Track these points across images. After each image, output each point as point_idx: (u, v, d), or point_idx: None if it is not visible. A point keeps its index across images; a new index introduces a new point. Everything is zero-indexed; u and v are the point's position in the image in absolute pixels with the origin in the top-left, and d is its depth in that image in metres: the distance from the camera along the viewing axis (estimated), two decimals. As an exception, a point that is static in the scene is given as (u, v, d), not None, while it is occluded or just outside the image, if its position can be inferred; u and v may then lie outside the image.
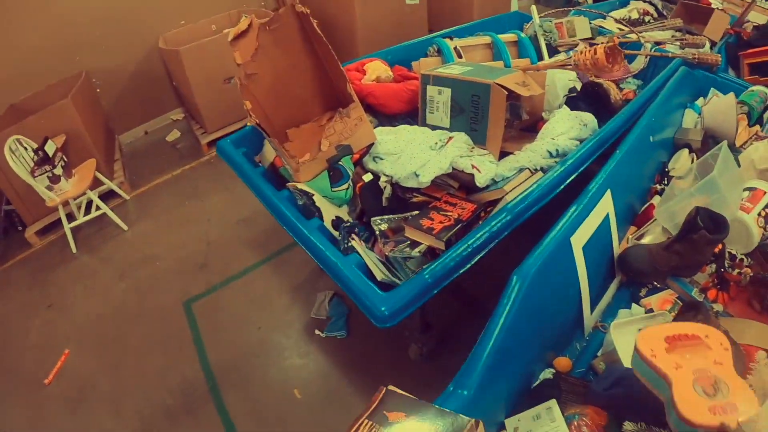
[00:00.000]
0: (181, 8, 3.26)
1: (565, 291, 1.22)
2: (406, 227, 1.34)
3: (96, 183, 2.62)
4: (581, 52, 1.31)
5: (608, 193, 1.29)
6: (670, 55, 2.04)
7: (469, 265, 1.18)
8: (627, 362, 1.12)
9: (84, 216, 2.56)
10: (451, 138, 1.52)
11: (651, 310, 1.36)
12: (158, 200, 2.78)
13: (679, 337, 0.86)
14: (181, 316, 2.05)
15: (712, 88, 2.02)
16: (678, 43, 2.23)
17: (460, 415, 0.75)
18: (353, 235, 1.33)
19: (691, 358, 0.82)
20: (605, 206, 1.28)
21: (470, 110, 1.52)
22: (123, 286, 2.26)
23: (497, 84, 1.43)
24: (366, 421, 0.72)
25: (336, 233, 1.39)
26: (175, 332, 2.00)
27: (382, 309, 1.10)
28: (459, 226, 1.31)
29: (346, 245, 1.30)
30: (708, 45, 2.24)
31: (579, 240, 1.18)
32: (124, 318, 2.12)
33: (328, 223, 1.39)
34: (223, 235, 2.40)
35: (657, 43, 2.22)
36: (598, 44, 1.48)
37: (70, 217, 2.60)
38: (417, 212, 1.41)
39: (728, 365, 0.81)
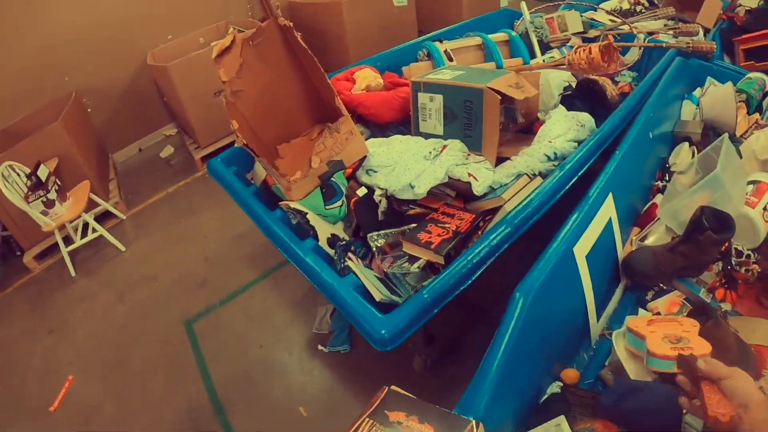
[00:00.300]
0: (168, 23, 3.20)
1: (570, 302, 1.17)
2: (403, 242, 1.29)
3: (91, 204, 2.57)
4: (575, 52, 1.25)
5: (610, 197, 1.23)
6: (664, 45, 1.98)
7: (469, 282, 1.12)
8: (631, 372, 1.08)
9: (81, 239, 2.51)
10: (445, 146, 1.47)
11: (659, 314, 1.32)
12: (154, 218, 2.73)
13: (658, 320, 1.06)
14: (182, 336, 2.00)
15: (708, 77, 1.95)
16: (671, 32, 2.16)
17: (461, 416, 0.74)
18: (350, 254, 1.28)
19: (665, 328, 1.00)
20: (607, 211, 1.22)
21: (463, 116, 1.46)
22: (123, 308, 2.22)
23: (490, 88, 1.37)
24: (367, 419, 0.72)
25: (332, 251, 1.34)
26: (177, 353, 1.96)
27: (382, 332, 1.05)
28: (458, 238, 1.26)
29: (342, 265, 1.25)
30: (701, 32, 2.18)
31: (582, 249, 1.13)
32: (125, 341, 2.08)
33: (323, 242, 1.34)
34: (220, 252, 2.35)
35: (650, 33, 2.16)
36: (591, 42, 1.42)
37: (68, 240, 2.55)
38: (414, 225, 1.36)
39: (694, 333, 0.97)
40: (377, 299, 1.15)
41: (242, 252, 2.30)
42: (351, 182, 1.48)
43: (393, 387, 0.82)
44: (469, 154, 1.47)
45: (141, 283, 2.30)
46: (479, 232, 1.33)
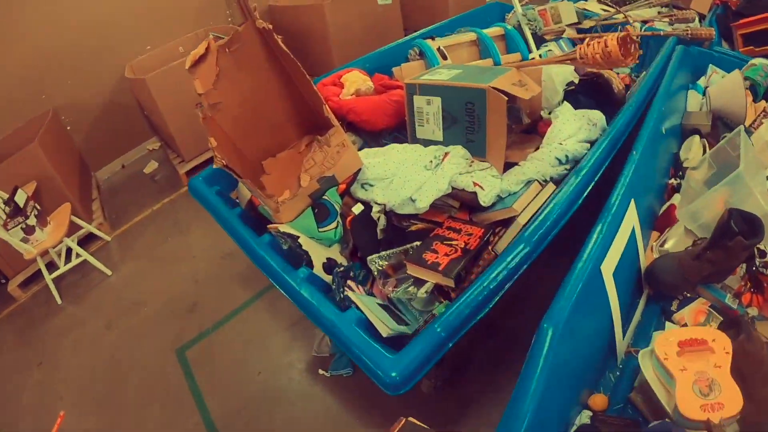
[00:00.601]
0: (145, 33, 2.96)
1: (598, 324, 1.01)
2: (407, 264, 1.12)
3: (74, 227, 2.35)
4: (588, 45, 1.08)
5: (632, 204, 1.07)
6: (662, 33, 1.81)
7: (486, 310, 0.96)
8: (661, 396, 0.95)
9: (65, 264, 2.29)
10: (447, 153, 1.29)
11: (686, 326, 1.17)
12: (140, 239, 2.50)
13: (689, 342, 0.94)
14: (175, 365, 1.81)
15: (710, 65, 1.80)
16: (667, 19, 2.00)
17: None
18: (349, 282, 1.10)
19: (696, 361, 0.92)
20: (630, 220, 1.06)
21: (465, 120, 1.28)
22: (112, 337, 2.01)
23: (493, 88, 1.19)
24: None
25: (328, 278, 1.16)
26: (171, 383, 1.76)
27: (393, 375, 0.88)
28: (467, 257, 1.09)
29: (341, 295, 1.07)
30: (697, 19, 2.02)
31: (609, 266, 0.96)
32: (116, 372, 1.88)
33: (318, 268, 1.16)
34: (210, 272, 2.15)
35: (645, 22, 1.99)
36: (587, 33, 1.25)
37: (52, 266, 2.33)
38: (418, 243, 1.18)
39: (725, 368, 0.90)
40: (384, 335, 0.98)
41: (233, 271, 2.10)
42: (345, 198, 1.30)
43: (410, 418, 0.78)
44: (472, 161, 1.29)
45: (129, 310, 2.10)
46: (490, 248, 1.16)
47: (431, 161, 1.26)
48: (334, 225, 1.19)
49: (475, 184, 1.21)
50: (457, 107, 1.27)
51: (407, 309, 1.11)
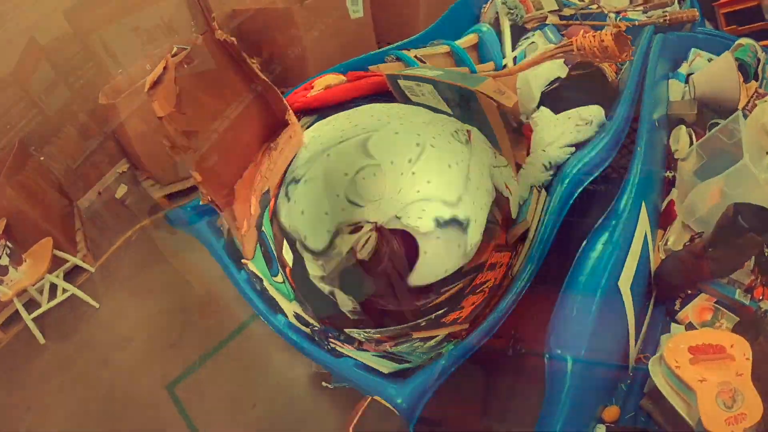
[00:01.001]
0: (111, 55, 2.76)
1: (615, 339, 0.92)
2: (415, 333, 0.91)
3: (57, 262, 2.17)
4: (583, 37, 0.99)
5: (643, 208, 0.97)
6: (637, 23, 1.69)
7: (491, 334, 0.85)
8: (680, 407, 0.88)
9: (50, 301, 2.12)
10: (469, 132, 1.00)
11: (691, 324, 1.08)
12: (123, 268, 2.34)
13: (703, 348, 0.86)
14: (168, 401, 1.68)
15: (692, 49, 1.70)
16: (640, 8, 1.89)
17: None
18: (332, 341, 0.93)
19: (716, 371, 0.84)
20: (643, 226, 0.96)
21: (463, 107, 1.10)
22: (99, 376, 1.87)
23: (481, 92, 1.05)
24: None
25: (306, 329, 0.96)
26: (166, 422, 1.63)
27: (399, 401, 0.78)
28: (489, 295, 0.90)
29: (328, 347, 0.92)
30: (676, 2, 1.92)
31: (626, 280, 0.87)
32: (109, 413, 1.74)
33: (292, 319, 0.98)
34: (196, 299, 2.00)
35: (618, 12, 1.88)
36: (569, 20, 1.13)
37: (33, 303, 2.16)
38: (439, 312, 0.89)
39: (747, 376, 0.84)
40: (386, 372, 0.87)
41: (222, 296, 1.95)
42: (274, 225, 0.92)
43: (376, 397, 0.80)
44: (495, 152, 1.03)
45: (116, 345, 1.95)
46: (510, 273, 0.95)
47: (456, 131, 0.93)
48: (280, 278, 0.90)
49: (506, 186, 1.00)
50: (453, 98, 1.09)
51: (411, 355, 0.93)
